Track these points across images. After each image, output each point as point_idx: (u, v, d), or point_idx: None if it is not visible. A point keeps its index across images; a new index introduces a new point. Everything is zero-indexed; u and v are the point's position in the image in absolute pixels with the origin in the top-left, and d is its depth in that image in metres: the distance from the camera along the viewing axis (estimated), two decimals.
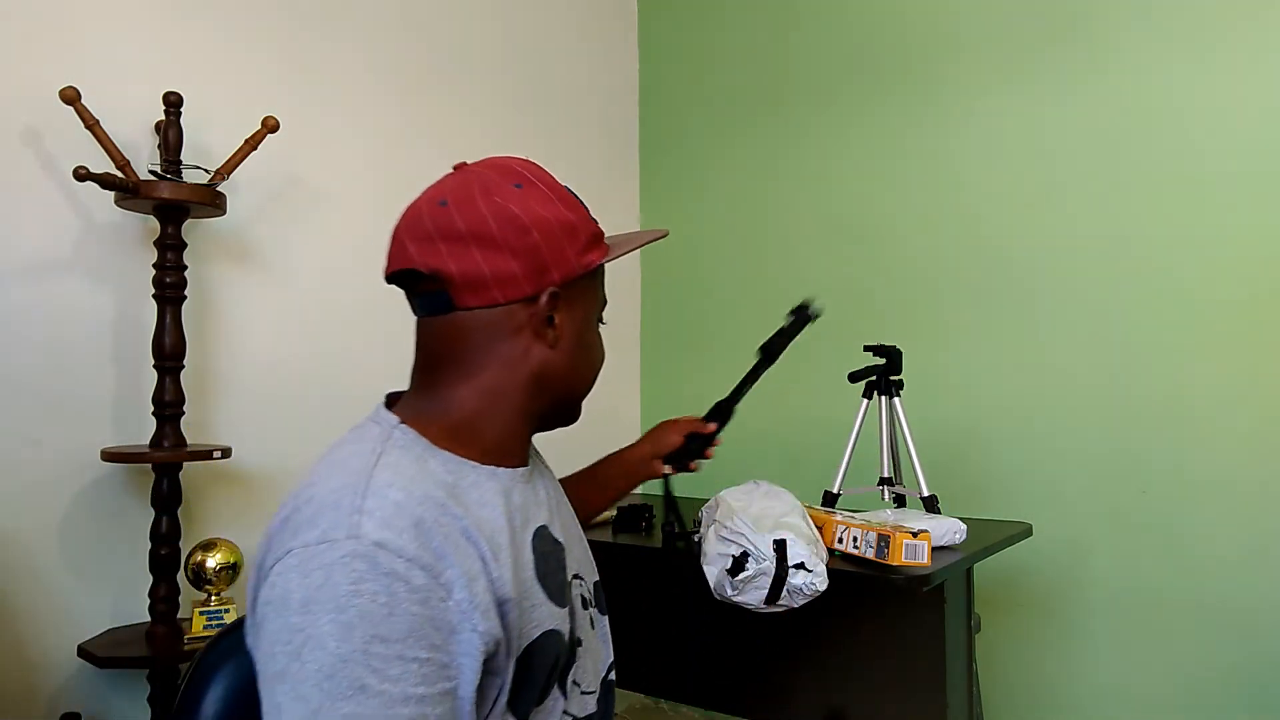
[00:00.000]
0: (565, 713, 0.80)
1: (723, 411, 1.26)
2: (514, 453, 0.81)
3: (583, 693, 0.84)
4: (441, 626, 0.64)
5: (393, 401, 0.82)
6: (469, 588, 0.66)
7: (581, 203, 0.83)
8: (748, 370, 1.28)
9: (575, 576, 0.87)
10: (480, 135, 2.38)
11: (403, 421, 0.76)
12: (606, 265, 0.86)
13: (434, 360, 0.79)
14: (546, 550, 0.80)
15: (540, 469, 0.92)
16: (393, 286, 0.81)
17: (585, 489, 1.19)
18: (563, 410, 0.86)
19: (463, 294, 0.75)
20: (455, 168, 0.82)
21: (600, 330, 0.88)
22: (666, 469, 1.22)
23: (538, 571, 0.77)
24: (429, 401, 0.78)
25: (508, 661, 0.70)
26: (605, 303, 0.88)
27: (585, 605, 0.89)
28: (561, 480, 1.13)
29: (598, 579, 0.95)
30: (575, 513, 0.99)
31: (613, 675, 0.93)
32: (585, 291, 0.83)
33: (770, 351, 1.27)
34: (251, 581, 0.69)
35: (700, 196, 2.78)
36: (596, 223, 0.84)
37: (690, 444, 1.22)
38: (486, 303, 0.75)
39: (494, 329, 0.76)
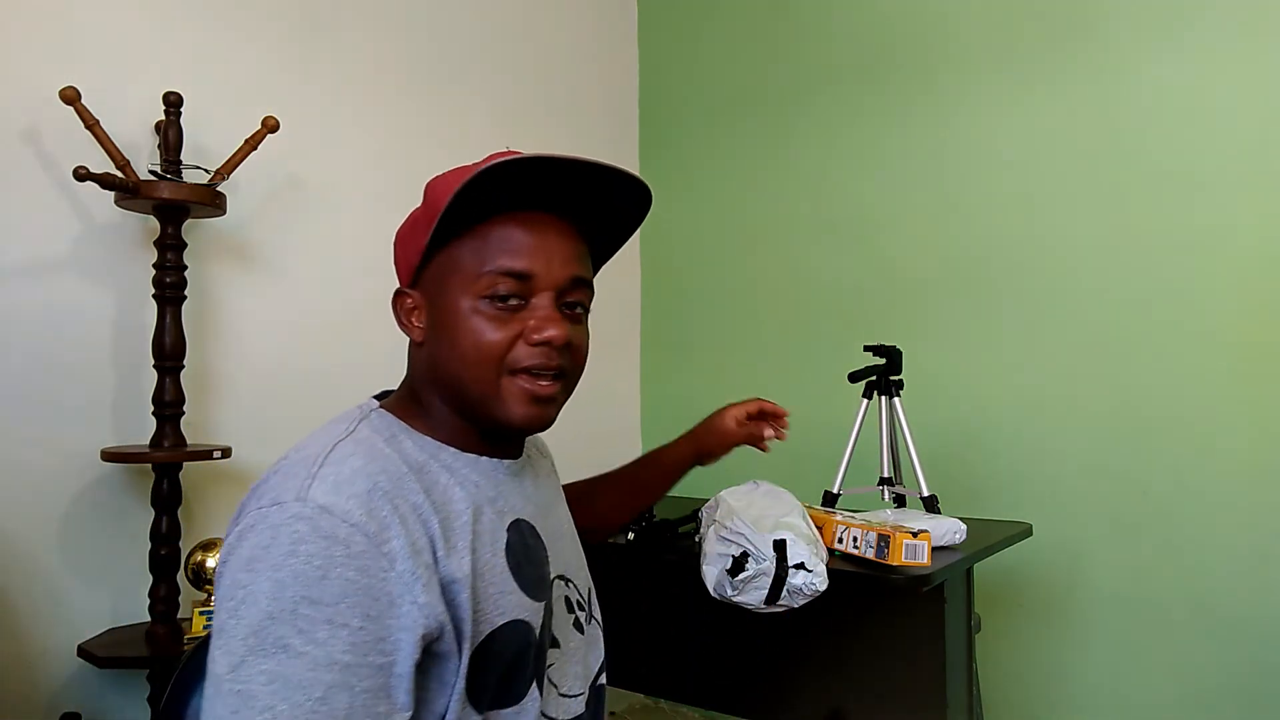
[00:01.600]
0: (543, 714, 0.79)
1: None
2: (486, 443, 0.80)
3: (562, 695, 0.83)
4: (380, 597, 0.63)
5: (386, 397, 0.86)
6: (413, 559, 0.65)
7: (473, 177, 0.72)
8: None
9: (561, 577, 0.85)
10: (480, 135, 2.38)
11: (382, 406, 0.80)
12: (527, 242, 0.75)
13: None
14: (525, 543, 0.79)
15: (537, 467, 0.92)
16: (393, 286, 0.85)
17: (619, 493, 1.18)
18: (466, 403, 0.77)
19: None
20: None
21: (491, 309, 0.74)
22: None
23: (510, 560, 0.76)
24: (407, 391, 0.83)
25: (461, 646, 0.69)
26: (510, 271, 0.74)
27: (571, 608, 0.87)
28: (590, 483, 1.16)
29: (591, 586, 0.93)
30: (606, 517, 1.03)
31: (603, 680, 0.92)
32: (446, 278, 0.77)
33: None
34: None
35: (700, 196, 2.78)
36: (451, 198, 0.72)
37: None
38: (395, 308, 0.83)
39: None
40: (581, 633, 0.87)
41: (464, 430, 0.79)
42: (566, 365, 0.78)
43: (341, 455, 0.69)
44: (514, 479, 0.82)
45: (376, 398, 0.83)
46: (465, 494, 0.75)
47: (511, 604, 0.74)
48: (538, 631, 0.77)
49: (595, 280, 0.84)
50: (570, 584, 0.88)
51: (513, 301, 0.75)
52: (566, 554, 0.89)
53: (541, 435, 0.93)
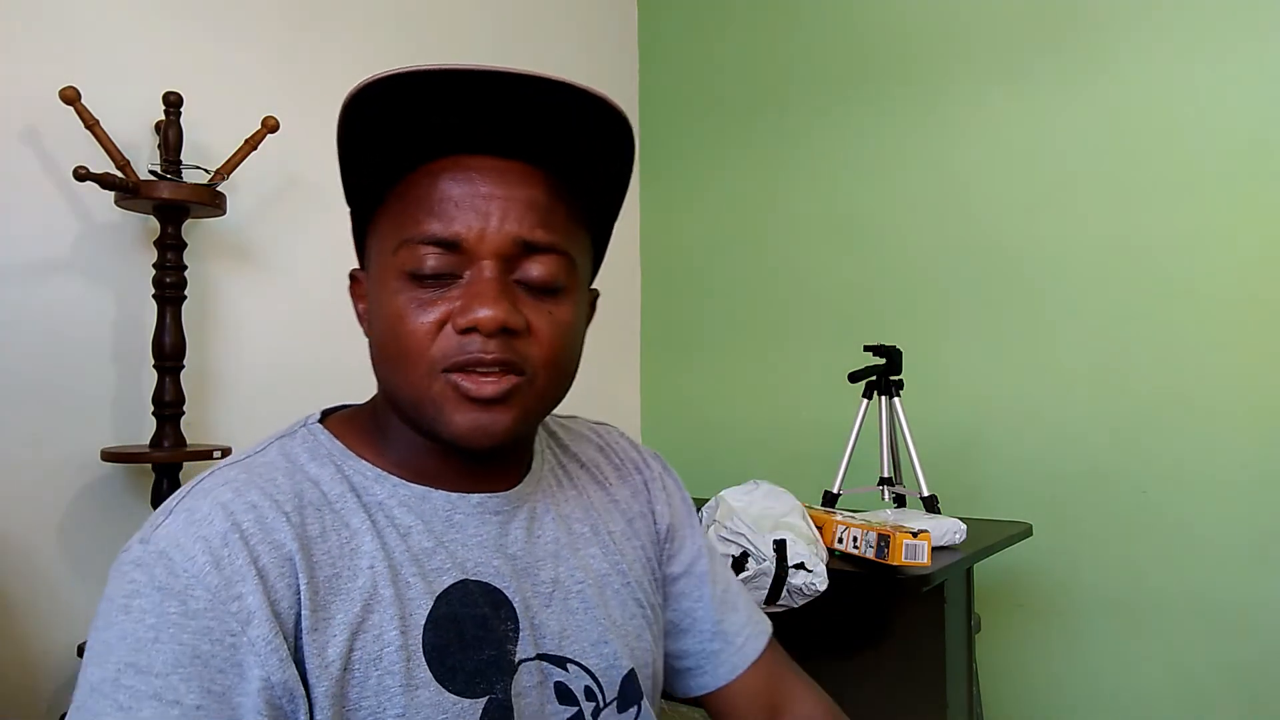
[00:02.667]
0: None
1: None
2: (455, 471, 0.63)
3: None
4: (225, 668, 0.49)
5: None
6: (271, 624, 0.51)
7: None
8: None
9: (548, 658, 0.62)
10: None
11: (330, 420, 0.66)
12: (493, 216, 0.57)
13: None
14: (468, 613, 0.59)
15: (562, 500, 0.70)
16: None
17: None
18: (408, 414, 0.60)
19: None
20: None
21: (413, 288, 0.57)
22: None
23: (427, 640, 0.56)
24: (370, 403, 0.67)
25: None
26: (429, 238, 0.56)
27: (571, 699, 0.63)
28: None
29: (633, 668, 0.67)
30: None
31: None
32: (375, 252, 0.61)
33: None
34: None
35: (700, 197, 2.78)
36: (338, 144, 0.59)
37: None
38: None
39: None
40: None
41: (422, 452, 0.62)
42: (516, 358, 0.56)
43: (213, 484, 0.55)
44: (483, 520, 0.63)
45: (328, 411, 0.68)
46: (377, 547, 0.57)
47: (413, 704, 0.54)
48: None
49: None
50: (573, 667, 0.63)
51: (446, 276, 0.56)
52: (573, 626, 0.64)
53: (647, 456, 0.79)
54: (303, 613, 0.53)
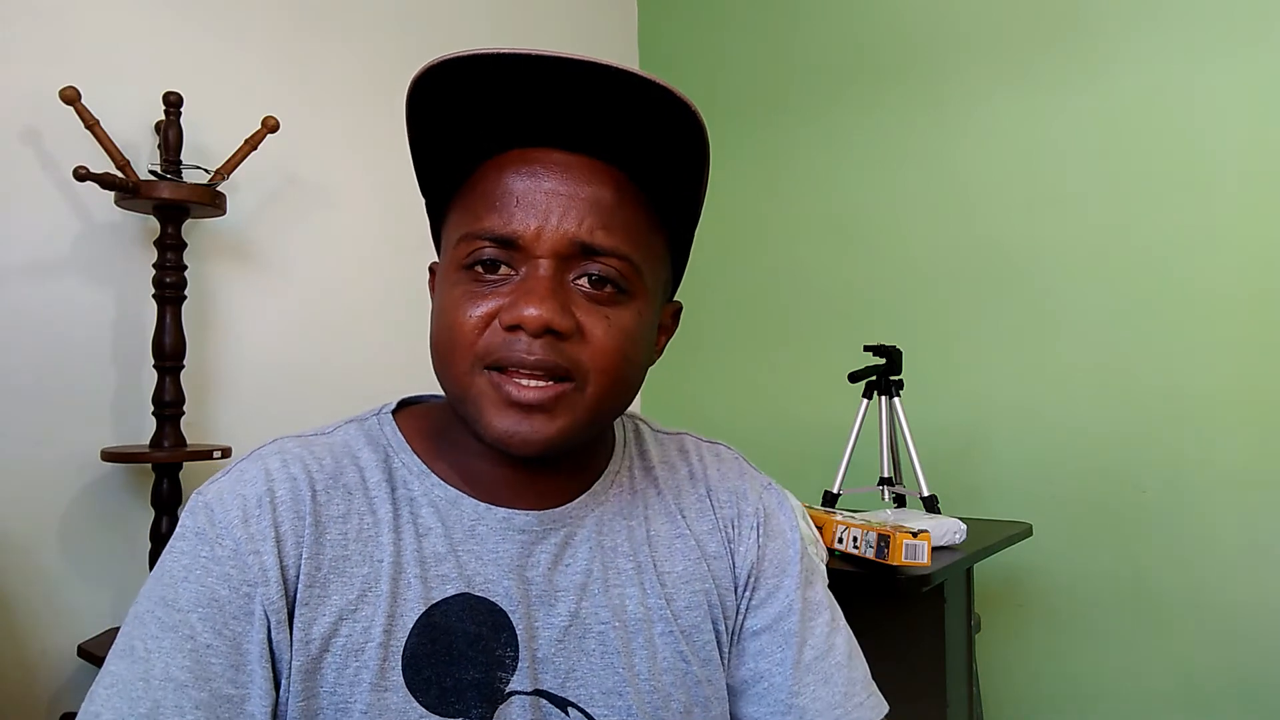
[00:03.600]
0: None
1: None
2: (505, 479, 0.60)
3: None
4: (240, 615, 0.53)
5: None
6: (280, 586, 0.54)
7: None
8: None
9: (546, 695, 0.58)
10: None
11: (403, 411, 0.65)
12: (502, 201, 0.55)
13: None
14: (460, 629, 0.56)
15: (615, 530, 0.63)
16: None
17: None
18: (452, 402, 0.59)
19: None
20: None
21: (469, 280, 0.55)
22: None
23: (409, 647, 0.55)
24: (443, 403, 0.65)
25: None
26: (486, 234, 0.54)
27: None
28: None
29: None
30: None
31: None
32: (444, 244, 0.61)
33: None
34: None
35: None
36: (408, 130, 0.58)
37: None
38: None
39: None
40: None
41: (473, 455, 0.60)
42: (564, 362, 0.54)
43: (269, 451, 0.58)
44: (505, 537, 0.59)
45: (407, 401, 0.67)
46: (392, 541, 0.57)
47: (379, 705, 0.54)
48: None
49: None
50: (575, 713, 0.59)
51: (502, 270, 0.55)
52: (584, 668, 0.59)
53: (756, 485, 0.70)
54: (300, 585, 0.54)
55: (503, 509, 0.59)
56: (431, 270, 0.64)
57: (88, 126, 1.53)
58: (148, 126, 1.71)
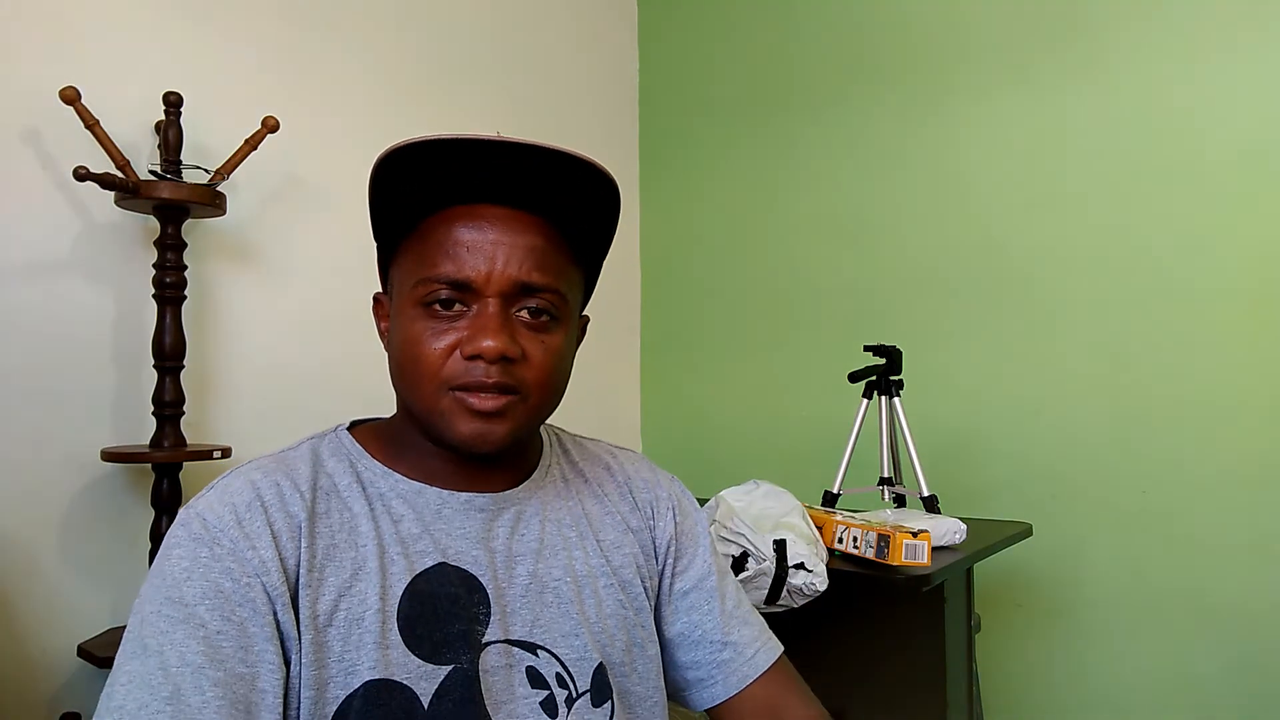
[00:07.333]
0: None
1: None
2: (456, 473, 0.73)
3: None
4: (244, 602, 0.61)
5: None
6: (280, 574, 0.63)
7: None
8: None
9: (514, 643, 0.70)
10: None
11: (357, 428, 0.76)
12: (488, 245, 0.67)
13: None
14: (442, 591, 0.68)
15: (550, 508, 0.77)
16: None
17: None
18: (420, 422, 0.70)
19: None
20: None
21: (429, 317, 0.67)
22: None
23: (402, 609, 0.66)
24: (393, 414, 0.77)
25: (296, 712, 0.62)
26: (444, 279, 0.66)
27: (543, 683, 0.70)
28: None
29: (602, 661, 0.73)
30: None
31: None
32: (397, 280, 0.72)
33: None
34: None
35: (700, 198, 2.78)
36: (370, 196, 0.70)
37: None
38: None
39: None
40: (554, 716, 0.70)
41: (429, 456, 0.72)
42: (513, 380, 0.67)
43: (248, 469, 0.68)
44: (469, 516, 0.72)
45: (357, 421, 0.78)
46: (372, 529, 0.68)
47: (383, 660, 0.64)
48: (427, 700, 0.65)
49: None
50: (544, 654, 0.71)
51: (456, 308, 0.67)
52: (546, 618, 0.72)
53: (661, 478, 0.87)
54: (301, 571, 0.64)
55: (463, 493, 0.72)
56: (377, 299, 0.76)
57: (88, 126, 1.53)
58: (148, 126, 1.71)
